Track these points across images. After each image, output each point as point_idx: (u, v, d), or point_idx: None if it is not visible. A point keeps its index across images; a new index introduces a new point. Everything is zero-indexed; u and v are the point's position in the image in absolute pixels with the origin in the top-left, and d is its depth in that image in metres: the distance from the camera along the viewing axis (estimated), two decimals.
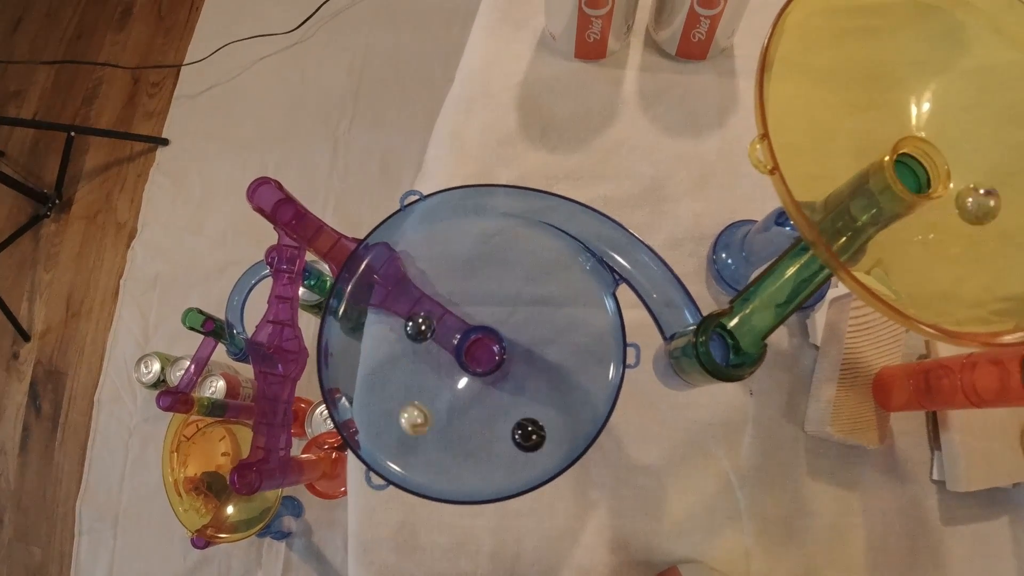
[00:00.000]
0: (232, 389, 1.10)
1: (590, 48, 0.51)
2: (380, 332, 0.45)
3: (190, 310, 0.83)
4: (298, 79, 1.37)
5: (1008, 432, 0.42)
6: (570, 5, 0.47)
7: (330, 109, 1.32)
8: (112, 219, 1.29)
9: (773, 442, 0.43)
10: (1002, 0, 0.32)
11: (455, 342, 0.41)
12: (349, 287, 0.41)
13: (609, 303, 0.37)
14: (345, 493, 0.80)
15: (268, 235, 1.37)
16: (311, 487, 0.80)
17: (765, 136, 0.27)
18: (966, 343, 0.27)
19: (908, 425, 0.44)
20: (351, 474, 0.46)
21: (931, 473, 0.43)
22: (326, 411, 0.90)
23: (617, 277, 0.35)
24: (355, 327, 0.44)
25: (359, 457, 0.36)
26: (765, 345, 0.28)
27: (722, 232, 0.46)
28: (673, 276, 0.34)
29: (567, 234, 0.38)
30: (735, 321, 0.28)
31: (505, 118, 0.51)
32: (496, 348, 0.39)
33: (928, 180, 0.31)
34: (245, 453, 1.08)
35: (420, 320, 0.35)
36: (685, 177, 0.49)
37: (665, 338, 0.33)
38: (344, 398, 0.41)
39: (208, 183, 1.31)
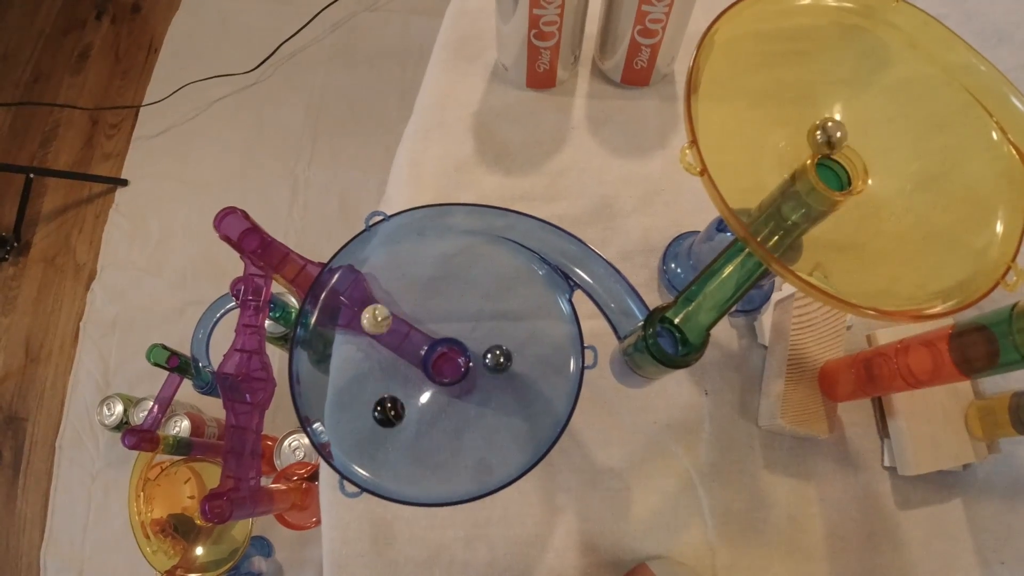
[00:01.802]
0: (197, 428, 1.08)
1: (540, 78, 0.54)
2: (348, 352, 0.47)
3: (154, 346, 0.82)
4: (256, 119, 1.38)
5: (952, 416, 0.44)
6: (520, 38, 0.50)
7: (288, 148, 1.34)
8: (71, 261, 1.27)
9: (729, 439, 0.45)
10: (918, 18, 0.36)
11: (422, 355, 0.42)
12: (317, 309, 0.43)
13: (565, 307, 0.39)
14: (317, 524, 0.80)
15: (227, 275, 1.37)
16: (281, 518, 0.79)
17: (694, 143, 0.30)
18: (897, 319, 0.29)
19: (856, 416, 0.46)
20: (324, 494, 0.47)
21: (882, 460, 0.45)
22: (294, 442, 0.90)
23: (572, 283, 0.38)
24: (320, 359, 0.45)
25: (332, 466, 0.37)
26: (709, 333, 0.30)
27: (670, 244, 0.49)
28: (624, 280, 0.36)
29: (527, 249, 0.40)
30: (681, 316, 0.30)
31: (461, 146, 0.54)
32: (461, 359, 0.41)
33: (850, 180, 0.34)
34: None
35: (388, 404, 0.36)
36: (633, 195, 0.52)
37: (619, 338, 0.35)
38: (318, 422, 0.42)
39: (167, 224, 1.30)
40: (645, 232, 0.51)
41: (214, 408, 1.14)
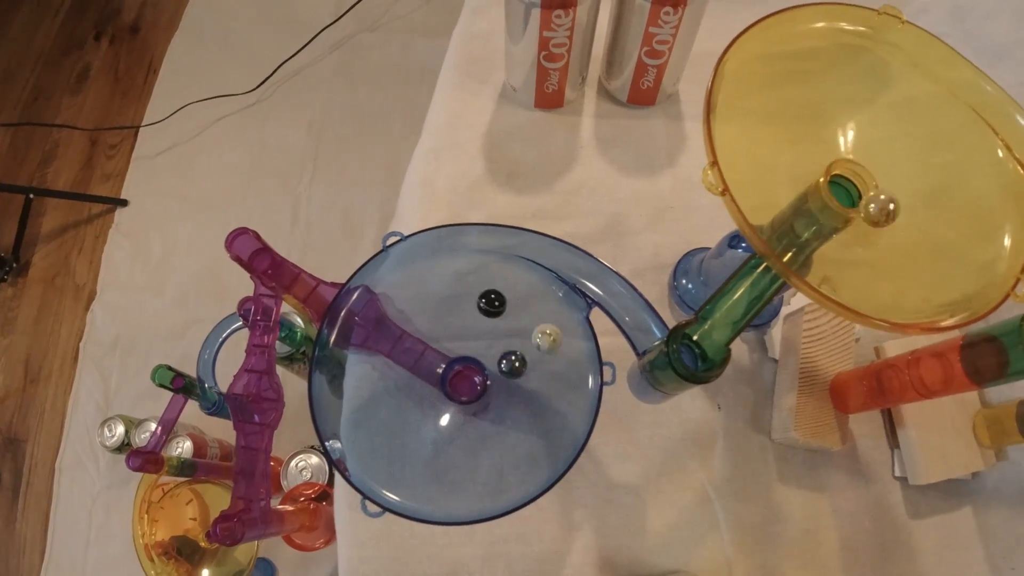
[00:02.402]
0: (199, 449, 1.08)
1: (549, 98, 0.55)
2: (363, 371, 0.47)
3: (159, 367, 0.82)
4: (257, 138, 1.39)
5: (960, 425, 0.45)
6: (529, 59, 0.51)
7: (290, 167, 1.35)
8: (70, 282, 1.27)
9: (743, 453, 0.46)
10: (921, 38, 0.37)
11: (439, 374, 0.43)
12: (336, 329, 0.43)
13: (582, 324, 0.40)
14: (325, 544, 0.79)
15: (230, 294, 1.37)
16: (289, 539, 0.79)
17: (715, 163, 0.30)
18: (909, 332, 0.30)
19: (866, 428, 0.47)
20: (341, 513, 0.47)
21: (893, 471, 0.46)
22: (301, 463, 0.90)
23: (590, 301, 0.38)
24: (332, 379, 0.46)
25: (354, 487, 0.37)
26: (729, 350, 0.31)
27: (680, 260, 0.50)
28: (641, 298, 0.37)
29: (541, 267, 0.41)
30: (700, 333, 0.31)
31: (473, 165, 0.54)
32: (478, 377, 0.41)
33: (860, 196, 0.35)
34: (215, 515, 1.05)
35: (492, 295, 0.38)
36: (643, 213, 0.53)
37: (638, 354, 0.36)
38: (335, 439, 0.42)
39: (168, 243, 1.30)
40: (656, 249, 0.52)
41: (215, 429, 1.13)
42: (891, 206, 0.31)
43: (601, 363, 0.38)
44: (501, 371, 0.39)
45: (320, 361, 0.42)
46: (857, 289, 0.34)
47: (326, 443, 0.39)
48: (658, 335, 0.36)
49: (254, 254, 0.53)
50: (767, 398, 0.48)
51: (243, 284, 1.35)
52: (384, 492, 0.38)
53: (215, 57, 1.47)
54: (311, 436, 1.06)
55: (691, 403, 0.47)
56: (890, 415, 0.48)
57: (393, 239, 0.42)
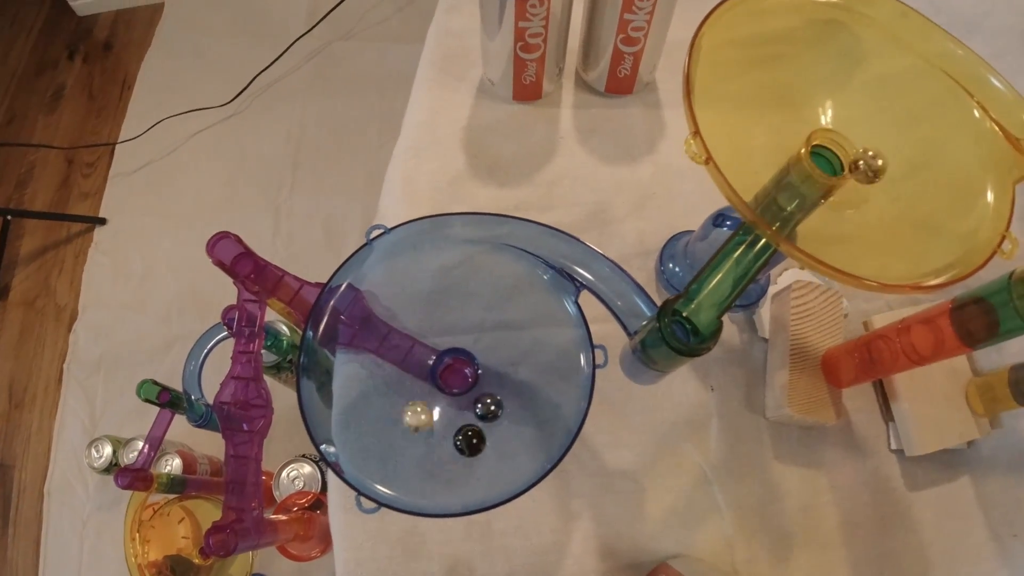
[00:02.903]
0: (189, 466, 1.06)
1: (527, 90, 0.55)
2: (351, 370, 0.46)
3: (145, 382, 0.81)
4: (235, 151, 1.38)
5: (953, 395, 0.45)
6: (506, 51, 0.51)
7: (269, 178, 1.34)
8: (52, 303, 1.25)
9: (738, 433, 0.46)
10: (895, 9, 0.37)
11: (428, 367, 0.42)
12: (320, 329, 0.42)
13: (572, 309, 0.39)
14: (321, 553, 0.78)
15: (213, 308, 1.35)
16: (284, 550, 0.77)
17: (697, 132, 0.30)
18: (898, 291, 0.30)
19: (860, 403, 0.47)
20: (336, 516, 0.46)
21: (888, 444, 0.46)
22: (292, 472, 0.88)
23: (578, 285, 0.38)
24: (320, 385, 0.45)
25: (347, 482, 0.36)
26: (721, 322, 0.30)
27: (665, 245, 0.50)
28: (630, 279, 0.37)
29: (529, 254, 0.41)
30: (691, 307, 0.31)
31: (453, 161, 0.54)
32: (469, 368, 0.41)
33: (841, 166, 0.35)
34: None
35: (470, 432, 0.37)
36: (625, 200, 0.53)
37: (629, 335, 0.35)
38: (328, 442, 0.41)
39: (149, 260, 1.29)
40: (640, 236, 0.51)
41: (204, 445, 1.12)
42: (879, 161, 0.31)
43: (593, 346, 0.38)
44: (476, 415, 0.39)
45: (307, 364, 0.42)
46: (842, 264, 0.34)
47: (319, 445, 0.38)
48: (648, 315, 0.36)
49: (236, 258, 0.52)
50: (759, 378, 0.48)
51: (226, 298, 1.34)
52: (379, 490, 0.37)
53: (190, 72, 1.46)
54: (301, 446, 1.05)
55: (683, 386, 0.47)
56: (882, 389, 0.48)
57: (376, 232, 0.41)
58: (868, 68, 0.40)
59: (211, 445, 1.13)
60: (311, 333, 0.42)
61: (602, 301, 0.37)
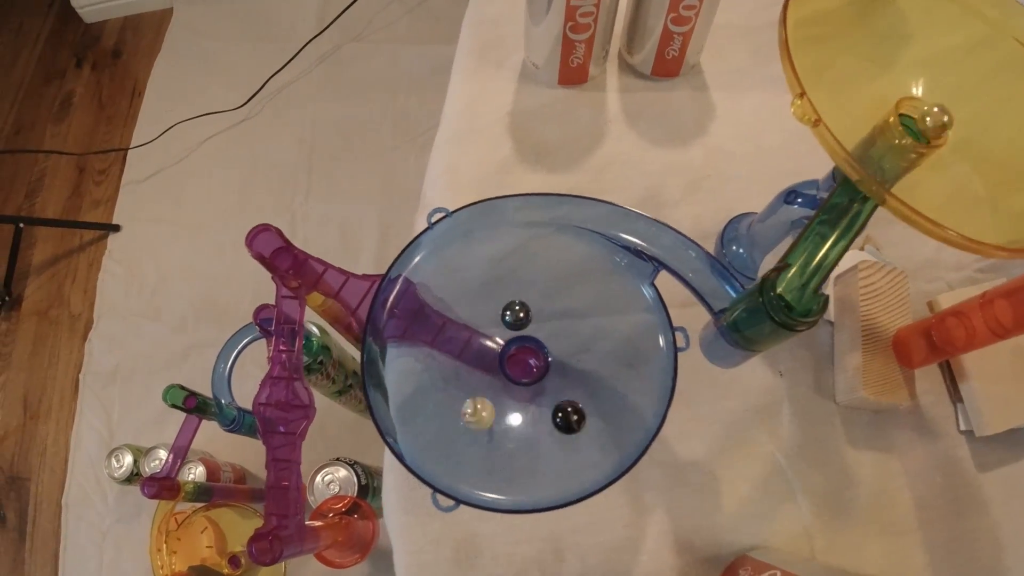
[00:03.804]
0: (212, 474, 1.04)
1: (572, 73, 0.54)
2: (405, 365, 0.44)
3: (171, 387, 0.79)
4: (248, 156, 1.37)
5: (1021, 373, 0.44)
6: (554, 33, 0.49)
7: (283, 183, 1.32)
8: (65, 312, 1.23)
9: (810, 418, 0.44)
10: None
11: (489, 359, 0.41)
12: (382, 323, 0.41)
13: (648, 292, 0.38)
14: (358, 560, 0.76)
15: (230, 315, 1.34)
16: (322, 557, 0.75)
17: (803, 94, 0.29)
18: (993, 253, 0.29)
19: (927, 384, 0.46)
20: (395, 517, 0.44)
21: (957, 425, 0.45)
22: (328, 476, 0.86)
23: (655, 264, 0.36)
24: (377, 383, 0.43)
25: (424, 481, 0.34)
26: (827, 296, 0.29)
27: (726, 227, 0.48)
28: (710, 257, 0.35)
29: (594, 237, 0.39)
30: (793, 280, 0.29)
31: (499, 147, 0.53)
32: (537, 357, 0.39)
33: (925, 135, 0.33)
34: (231, 541, 1.02)
35: (516, 306, 0.35)
36: (678, 184, 0.51)
37: (715, 315, 0.34)
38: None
39: (163, 268, 1.27)
40: (696, 219, 0.50)
41: (225, 452, 1.10)
42: (945, 117, 0.29)
43: (673, 328, 0.36)
44: (556, 424, 0.37)
45: (369, 360, 0.40)
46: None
47: (391, 442, 0.36)
48: (732, 294, 0.34)
49: (276, 252, 0.50)
50: (827, 361, 0.46)
51: (243, 305, 1.33)
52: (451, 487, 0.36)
53: (200, 77, 1.45)
54: (334, 449, 1.02)
55: (752, 372, 0.45)
56: (950, 369, 0.47)
57: (438, 215, 0.40)
58: (930, 41, 0.38)
59: (232, 452, 1.11)
60: (375, 326, 0.40)
61: (683, 281, 0.35)
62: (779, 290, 0.30)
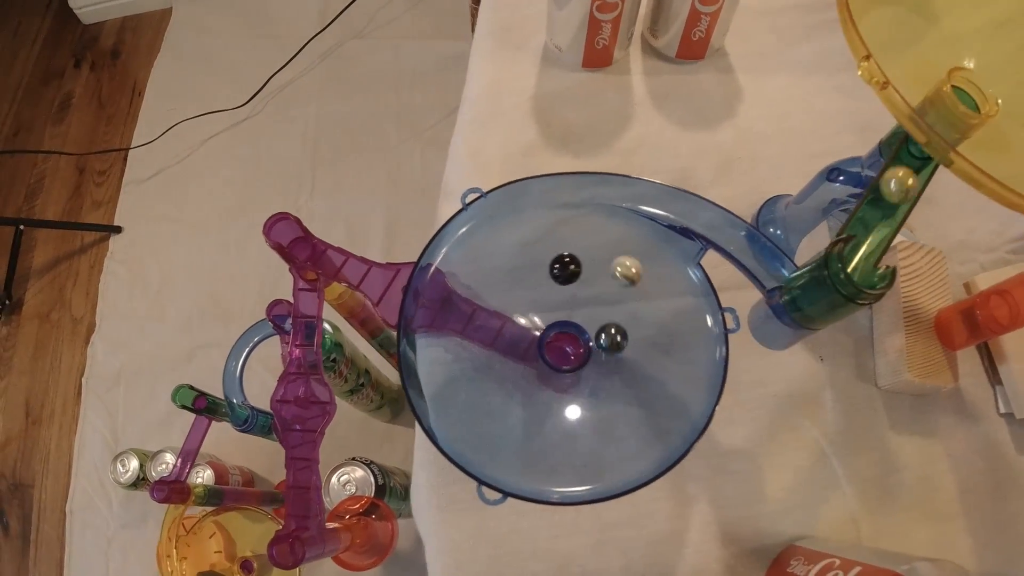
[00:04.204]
0: (220, 477, 1.02)
1: (597, 56, 0.52)
2: (434, 355, 0.43)
3: (181, 387, 0.77)
4: (251, 154, 1.35)
5: None
6: (580, 13, 0.48)
7: (288, 180, 1.31)
8: (67, 315, 1.21)
9: (852, 403, 0.43)
10: None
11: (524, 347, 0.39)
12: (415, 313, 0.39)
13: (694, 274, 0.36)
14: (376, 563, 0.74)
15: (236, 316, 1.31)
16: (340, 560, 0.74)
17: (868, 56, 0.28)
18: None
19: (966, 367, 0.45)
20: (425, 516, 0.43)
21: (997, 408, 0.44)
22: (344, 476, 0.85)
23: (703, 243, 0.35)
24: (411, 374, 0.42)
25: (469, 473, 0.33)
26: (893, 267, 0.28)
27: (762, 209, 0.47)
28: (759, 233, 0.34)
29: (632, 218, 0.38)
30: (856, 250, 0.28)
31: (524, 131, 0.51)
32: (578, 344, 0.38)
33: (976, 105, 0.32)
34: (240, 545, 1.00)
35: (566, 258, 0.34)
36: (709, 167, 0.50)
37: (767, 292, 0.32)
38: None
39: (167, 268, 1.25)
40: (728, 202, 0.48)
41: (234, 455, 1.08)
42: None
43: (722, 308, 0.35)
44: (600, 347, 0.36)
45: (405, 350, 0.38)
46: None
47: (430, 431, 0.35)
48: (784, 272, 0.33)
49: (294, 242, 0.49)
50: (866, 345, 0.45)
51: (249, 304, 1.30)
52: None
53: (201, 76, 1.43)
54: (343, 449, 1.01)
55: (792, 357, 0.44)
56: (988, 351, 0.45)
57: (473, 195, 0.38)
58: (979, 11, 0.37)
59: (239, 455, 1.09)
60: (408, 316, 0.39)
61: (732, 260, 0.34)
62: (845, 263, 0.28)
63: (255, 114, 1.37)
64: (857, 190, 0.40)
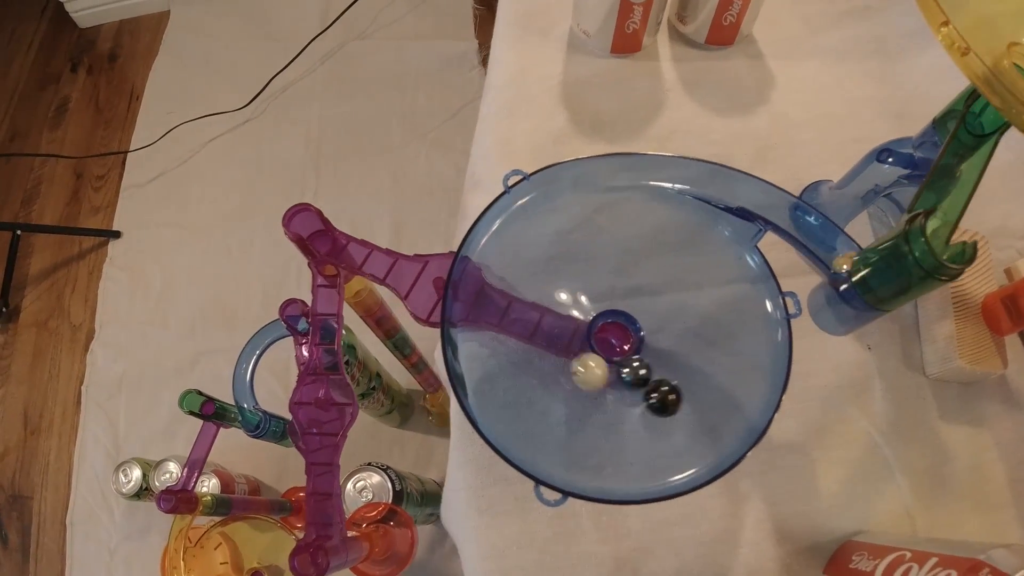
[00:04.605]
0: (226, 486, 1.00)
1: (626, 40, 0.51)
2: (470, 350, 0.41)
3: (188, 392, 0.75)
4: (253, 156, 1.33)
5: None
6: None
7: (291, 183, 1.29)
8: (66, 322, 1.18)
9: (902, 392, 0.42)
10: None
11: (564, 340, 0.38)
12: (452, 305, 0.37)
13: (751, 258, 0.35)
14: (396, 572, 0.72)
15: (240, 321, 1.29)
16: (358, 571, 0.71)
17: (947, 22, 0.26)
18: None
19: (1009, 353, 0.43)
20: (464, 521, 0.41)
21: None
22: (360, 483, 0.82)
23: (761, 224, 0.34)
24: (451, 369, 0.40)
25: (525, 472, 0.31)
26: (975, 242, 0.26)
27: (802, 194, 0.46)
28: (821, 215, 0.33)
29: (684, 201, 0.36)
30: (937, 221, 0.27)
31: (553, 118, 0.50)
32: (628, 333, 0.36)
33: None
34: (247, 556, 0.97)
35: (665, 389, 0.32)
36: (745, 153, 0.49)
37: (829, 274, 0.31)
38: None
39: (168, 273, 1.23)
40: (758, 199, 0.47)
41: (238, 464, 1.05)
42: None
43: (783, 293, 0.33)
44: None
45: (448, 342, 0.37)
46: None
47: (481, 429, 0.33)
48: (843, 248, 0.32)
49: (314, 235, 0.47)
50: (911, 333, 0.44)
51: (254, 308, 1.27)
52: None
53: (201, 79, 1.41)
54: (353, 454, 0.98)
55: (839, 346, 0.42)
56: None
57: (515, 178, 0.37)
58: None
59: (245, 463, 1.07)
60: (450, 310, 0.37)
61: (793, 242, 0.32)
62: (928, 236, 0.27)
63: (256, 116, 1.35)
64: (907, 171, 0.39)
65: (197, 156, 1.32)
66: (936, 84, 0.51)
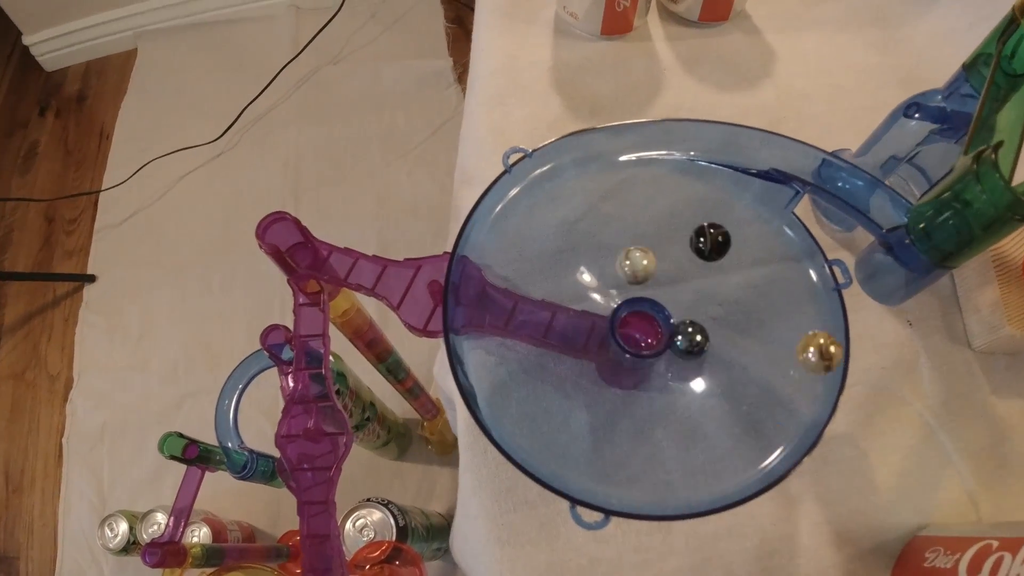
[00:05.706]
0: (218, 534, 0.94)
1: (617, 21, 0.48)
2: (477, 359, 0.37)
3: (168, 435, 0.69)
4: (230, 189, 1.29)
5: None
6: None
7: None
8: (43, 373, 1.12)
9: (949, 368, 0.38)
10: None
11: (581, 338, 0.34)
12: (457, 310, 0.33)
13: (788, 228, 0.31)
14: None
15: (224, 360, 1.23)
16: None
17: None
18: None
19: None
20: (483, 554, 0.36)
21: None
22: (359, 521, 0.77)
23: (798, 186, 0.30)
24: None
25: (559, 493, 0.27)
26: None
27: (821, 165, 0.43)
28: (861, 171, 0.29)
29: (707, 171, 0.33)
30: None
31: (547, 104, 0.47)
32: (658, 324, 0.32)
33: None
34: None
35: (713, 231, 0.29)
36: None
37: (883, 235, 0.28)
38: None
39: (147, 315, 1.18)
40: (780, 164, 0.44)
41: (230, 511, 1.00)
42: None
43: (829, 262, 0.30)
44: (680, 350, 0.30)
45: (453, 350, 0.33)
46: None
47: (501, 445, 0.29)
48: (890, 206, 0.28)
49: (293, 248, 0.43)
50: (951, 304, 0.40)
51: (238, 346, 1.22)
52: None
53: (172, 114, 1.38)
54: (351, 491, 0.92)
55: (879, 323, 0.39)
56: None
57: (516, 155, 0.33)
58: None
59: (237, 509, 1.01)
60: (452, 319, 0.33)
61: (838, 201, 0.29)
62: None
63: (231, 147, 1.32)
64: (936, 126, 0.36)
65: (172, 192, 1.28)
66: (939, 48, 0.49)
